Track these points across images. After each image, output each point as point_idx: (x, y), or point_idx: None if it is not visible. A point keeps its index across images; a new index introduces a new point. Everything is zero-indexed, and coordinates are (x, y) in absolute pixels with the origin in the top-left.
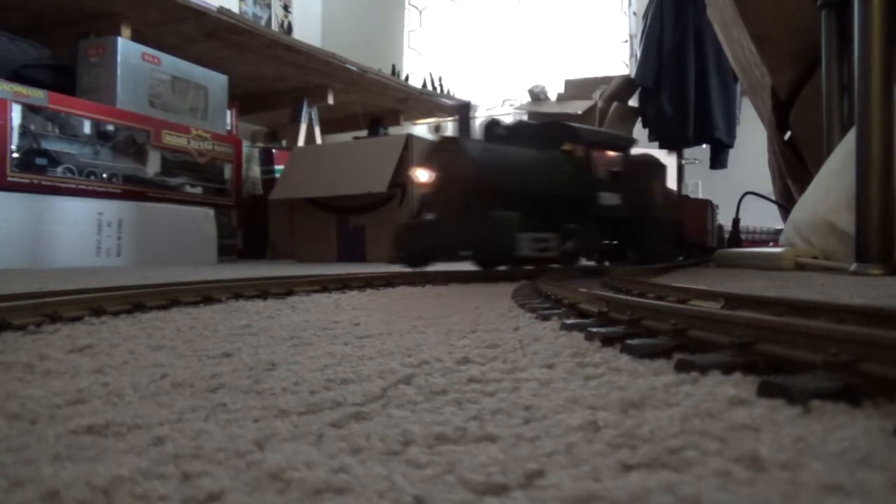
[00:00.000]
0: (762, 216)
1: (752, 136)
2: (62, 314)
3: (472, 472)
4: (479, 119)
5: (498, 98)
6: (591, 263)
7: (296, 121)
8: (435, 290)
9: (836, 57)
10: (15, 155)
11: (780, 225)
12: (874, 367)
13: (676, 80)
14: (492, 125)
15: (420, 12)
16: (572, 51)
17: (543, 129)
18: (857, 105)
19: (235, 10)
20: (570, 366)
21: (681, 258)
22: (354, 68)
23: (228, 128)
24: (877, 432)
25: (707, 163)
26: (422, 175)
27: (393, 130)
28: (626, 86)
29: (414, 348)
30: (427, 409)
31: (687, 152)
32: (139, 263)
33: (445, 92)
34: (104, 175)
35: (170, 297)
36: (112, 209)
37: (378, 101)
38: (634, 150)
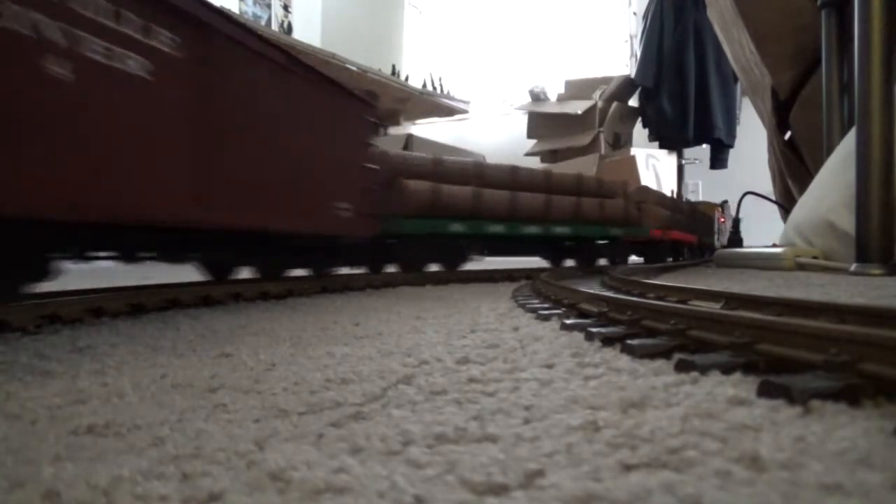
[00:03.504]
0: (762, 215)
1: (752, 136)
2: (62, 315)
3: (472, 472)
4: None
5: (498, 98)
6: None
7: None
8: (435, 290)
9: (836, 57)
10: None
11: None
12: (874, 367)
13: (676, 80)
14: None
15: (420, 12)
16: (572, 51)
17: None
18: (857, 105)
19: (235, 9)
20: (570, 366)
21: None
22: (354, 68)
23: None
24: (877, 432)
25: (707, 163)
26: None
27: (393, 130)
28: (626, 86)
29: (414, 348)
30: (427, 409)
31: (687, 152)
32: None
33: (445, 92)
34: None
35: (169, 297)
36: None
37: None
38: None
